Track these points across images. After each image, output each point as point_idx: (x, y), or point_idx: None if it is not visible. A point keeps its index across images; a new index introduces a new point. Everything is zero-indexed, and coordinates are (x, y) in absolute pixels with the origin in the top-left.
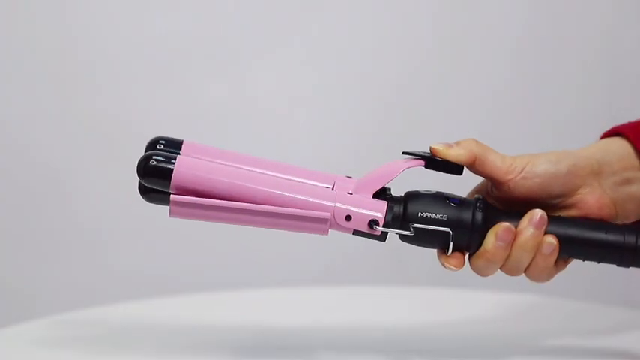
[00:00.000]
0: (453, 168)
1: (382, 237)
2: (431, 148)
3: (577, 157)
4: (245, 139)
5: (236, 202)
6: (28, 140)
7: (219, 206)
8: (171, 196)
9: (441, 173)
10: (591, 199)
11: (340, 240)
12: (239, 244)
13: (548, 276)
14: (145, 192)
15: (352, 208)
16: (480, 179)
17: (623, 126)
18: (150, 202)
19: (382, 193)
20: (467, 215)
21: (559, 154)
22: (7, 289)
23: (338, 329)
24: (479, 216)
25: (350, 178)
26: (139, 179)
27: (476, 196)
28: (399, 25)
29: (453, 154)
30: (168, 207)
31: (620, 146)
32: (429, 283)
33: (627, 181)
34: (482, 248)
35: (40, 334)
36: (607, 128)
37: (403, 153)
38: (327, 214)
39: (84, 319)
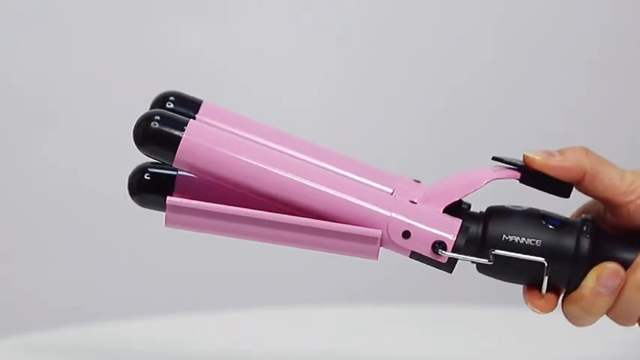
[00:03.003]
0: (556, 186)
1: (449, 266)
2: (524, 157)
3: None
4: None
5: (254, 205)
6: (29, 140)
7: (229, 214)
8: (167, 198)
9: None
10: None
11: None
12: (245, 257)
13: None
14: (137, 192)
15: (413, 222)
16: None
17: None
18: (142, 205)
19: (457, 208)
20: (569, 242)
21: None
22: (7, 289)
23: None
24: (585, 243)
25: (418, 182)
26: (137, 147)
27: (583, 216)
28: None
29: (555, 166)
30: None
31: None
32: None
33: None
34: (577, 292)
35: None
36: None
37: (493, 158)
38: (377, 232)
39: (78, 336)
